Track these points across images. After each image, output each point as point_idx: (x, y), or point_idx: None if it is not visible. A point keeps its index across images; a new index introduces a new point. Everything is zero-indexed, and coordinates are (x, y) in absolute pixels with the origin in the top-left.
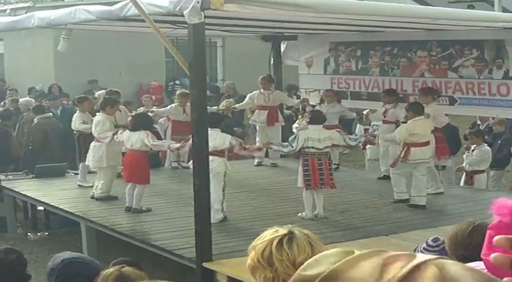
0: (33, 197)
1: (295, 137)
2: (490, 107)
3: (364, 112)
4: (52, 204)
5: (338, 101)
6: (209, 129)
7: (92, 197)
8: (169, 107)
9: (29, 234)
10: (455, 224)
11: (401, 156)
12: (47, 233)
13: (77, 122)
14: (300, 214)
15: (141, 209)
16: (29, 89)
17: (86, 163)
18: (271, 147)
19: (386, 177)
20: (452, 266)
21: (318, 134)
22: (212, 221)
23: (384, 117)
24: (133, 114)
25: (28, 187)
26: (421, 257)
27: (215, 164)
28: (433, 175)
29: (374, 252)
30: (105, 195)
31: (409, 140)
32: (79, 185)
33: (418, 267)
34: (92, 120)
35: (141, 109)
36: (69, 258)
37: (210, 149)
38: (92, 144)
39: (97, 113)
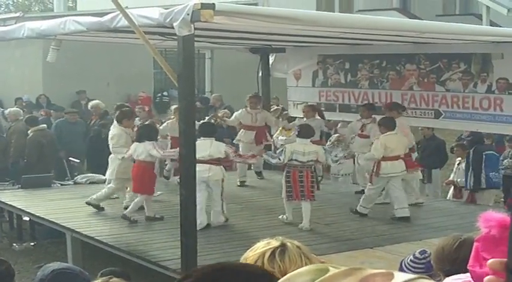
0: (18, 207)
1: (282, 150)
2: (472, 121)
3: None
4: (37, 214)
5: (320, 115)
6: (203, 138)
7: (125, 208)
8: (165, 123)
9: (14, 244)
10: (440, 237)
11: (373, 171)
12: (32, 244)
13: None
14: (280, 217)
15: (130, 218)
16: (15, 100)
17: (109, 176)
18: (262, 156)
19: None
20: None
21: (304, 147)
22: (216, 225)
23: (361, 131)
24: (139, 125)
25: (14, 197)
26: (398, 278)
27: (212, 172)
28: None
29: (349, 271)
30: (95, 203)
31: None
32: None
33: None
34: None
35: (136, 120)
36: (58, 269)
37: (206, 158)
38: (110, 156)
39: (112, 126)
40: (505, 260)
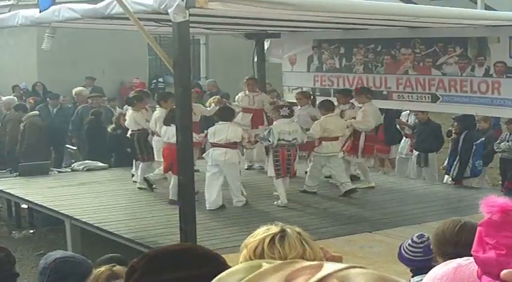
0: (17, 195)
1: (269, 131)
2: (471, 105)
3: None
4: (36, 202)
5: (312, 104)
6: (221, 122)
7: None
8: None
9: (13, 232)
10: (439, 220)
11: (314, 149)
12: (31, 231)
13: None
14: (275, 202)
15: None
16: (13, 87)
17: (156, 158)
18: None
19: (357, 178)
20: (357, 277)
21: (288, 126)
22: (238, 205)
23: (341, 117)
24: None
25: (12, 185)
26: (325, 270)
27: (228, 155)
28: (364, 170)
29: (279, 266)
30: (152, 179)
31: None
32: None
33: (320, 281)
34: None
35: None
36: (61, 258)
37: (223, 142)
38: (154, 138)
39: (157, 108)
40: None
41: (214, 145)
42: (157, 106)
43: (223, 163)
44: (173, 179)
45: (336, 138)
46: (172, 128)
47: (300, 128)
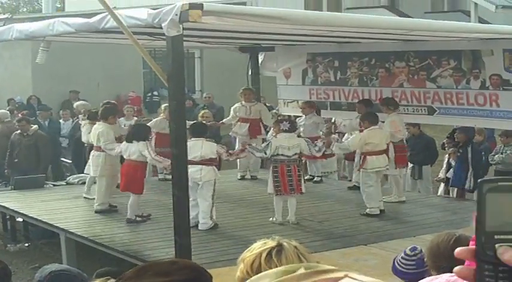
0: (12, 208)
1: (268, 144)
2: (469, 117)
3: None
4: (31, 215)
5: (317, 113)
6: (194, 139)
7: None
8: (154, 120)
9: (8, 245)
10: (434, 233)
11: (360, 165)
12: (26, 245)
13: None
14: (271, 219)
15: (135, 219)
16: (8, 100)
17: (91, 173)
18: (246, 147)
19: (357, 188)
20: None
21: (288, 141)
22: (202, 228)
23: (361, 127)
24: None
25: (6, 198)
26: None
27: (204, 172)
28: (397, 183)
29: (305, 275)
30: (102, 207)
31: (364, 149)
32: (84, 197)
33: None
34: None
35: (122, 119)
36: (57, 271)
37: (197, 159)
38: (92, 153)
39: (97, 123)
40: (473, 247)
41: (188, 163)
42: (102, 121)
43: (199, 181)
44: (132, 197)
45: (382, 152)
46: (134, 145)
47: (303, 142)
